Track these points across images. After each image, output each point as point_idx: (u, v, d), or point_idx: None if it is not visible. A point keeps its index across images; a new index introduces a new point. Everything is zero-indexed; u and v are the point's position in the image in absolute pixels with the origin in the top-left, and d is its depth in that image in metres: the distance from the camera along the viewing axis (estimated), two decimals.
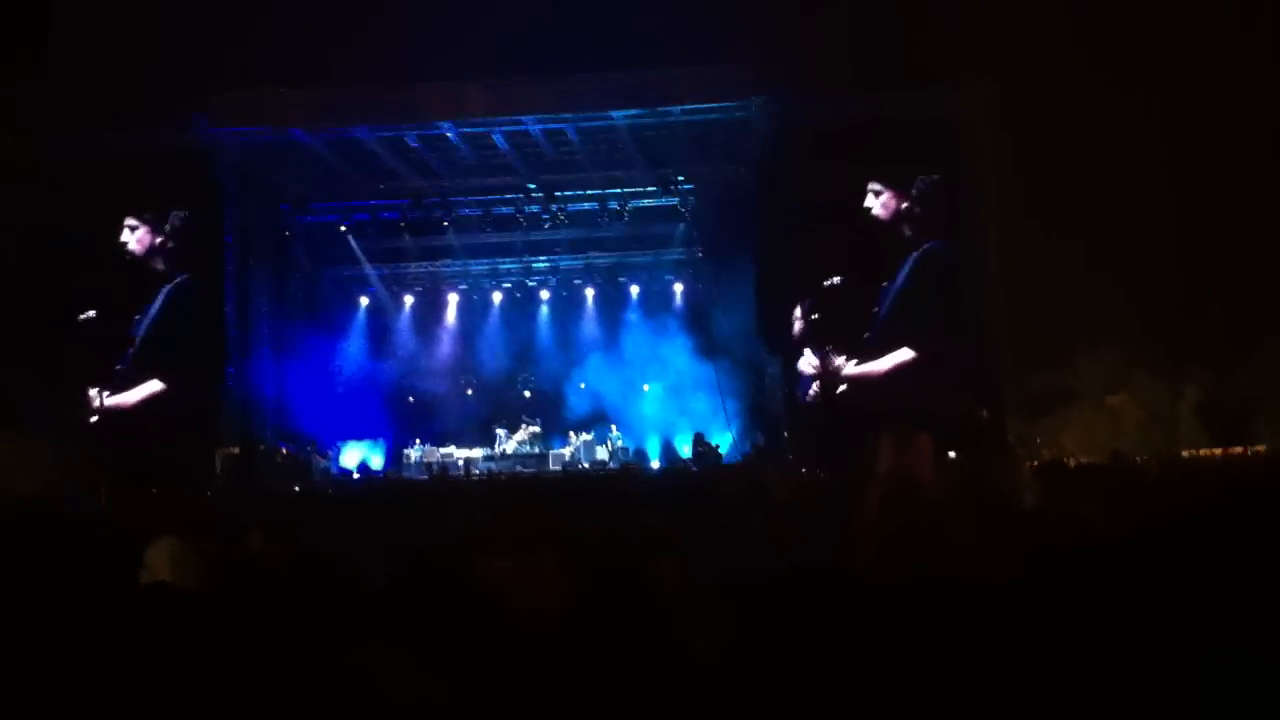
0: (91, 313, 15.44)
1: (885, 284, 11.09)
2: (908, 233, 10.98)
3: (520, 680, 3.27)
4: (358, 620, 3.60)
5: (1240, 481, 7.19)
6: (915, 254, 12.48)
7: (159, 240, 15.68)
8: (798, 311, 14.39)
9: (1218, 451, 11.00)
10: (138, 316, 15.60)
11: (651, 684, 3.31)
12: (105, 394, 15.32)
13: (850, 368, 12.99)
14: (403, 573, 4.25)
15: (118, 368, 15.38)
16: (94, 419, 15.32)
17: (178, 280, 15.80)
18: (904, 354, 10.62)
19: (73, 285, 15.42)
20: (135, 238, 15.62)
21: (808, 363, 12.36)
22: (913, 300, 12.71)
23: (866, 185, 12.68)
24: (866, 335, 12.07)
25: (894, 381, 12.76)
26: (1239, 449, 10.99)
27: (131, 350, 15.49)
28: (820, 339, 13.81)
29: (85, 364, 15.39)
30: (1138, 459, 9.24)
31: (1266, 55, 13.08)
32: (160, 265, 15.72)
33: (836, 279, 13.46)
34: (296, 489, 15.94)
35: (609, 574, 3.96)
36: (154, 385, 15.29)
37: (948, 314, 13.04)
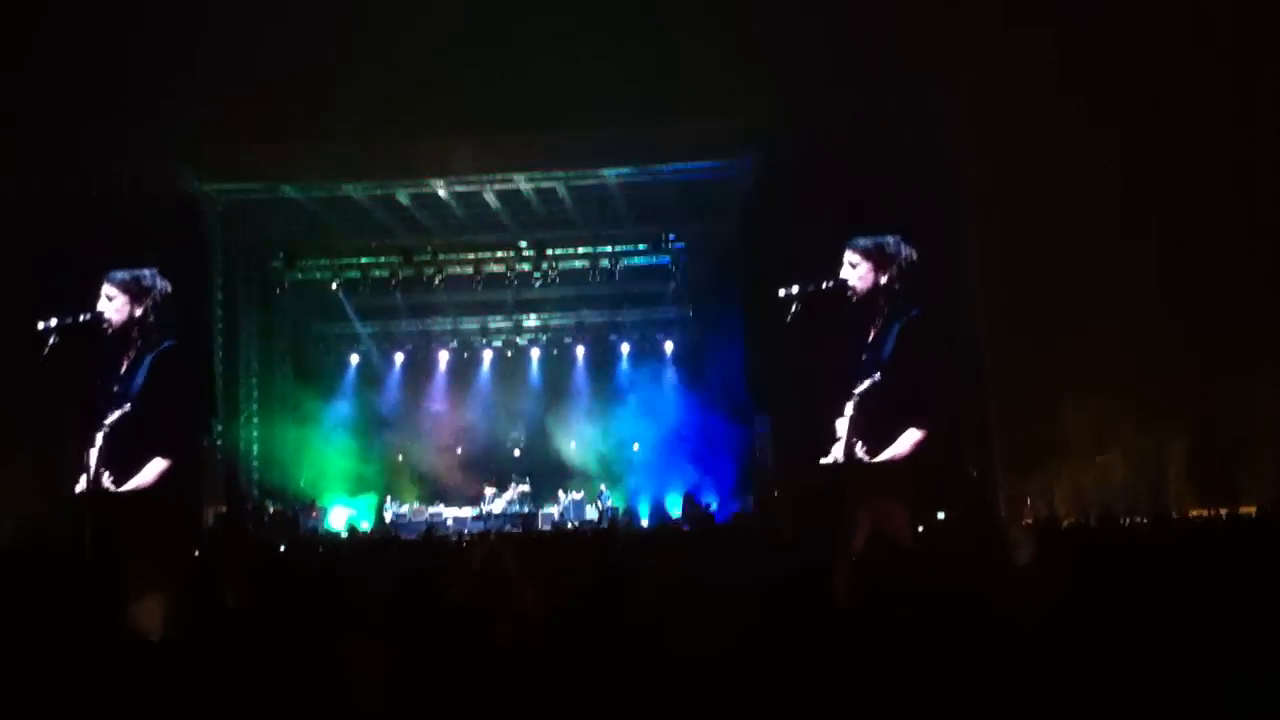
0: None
1: (864, 354, 10.96)
2: (884, 303, 10.90)
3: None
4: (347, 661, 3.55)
5: (1230, 545, 7.14)
6: (898, 324, 12.36)
7: (139, 312, 15.25)
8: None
9: (1206, 512, 10.93)
10: (116, 387, 15.18)
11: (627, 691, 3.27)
12: (104, 470, 14.88)
13: (862, 452, 12.80)
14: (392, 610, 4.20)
15: (105, 428, 14.96)
16: (86, 485, 14.91)
17: (163, 348, 15.29)
18: (915, 435, 10.50)
19: (59, 336, 14.88)
20: (114, 307, 15.09)
21: (837, 455, 12.15)
22: (907, 375, 12.64)
23: (844, 253, 12.58)
24: (850, 409, 11.88)
25: (912, 458, 12.61)
26: (1226, 510, 10.93)
27: (118, 416, 15.08)
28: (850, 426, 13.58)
29: (73, 419, 15.06)
30: (1125, 520, 9.17)
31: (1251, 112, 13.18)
32: (138, 334, 15.27)
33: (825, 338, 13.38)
34: (283, 547, 15.78)
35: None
36: (161, 464, 14.97)
37: (939, 380, 12.99)
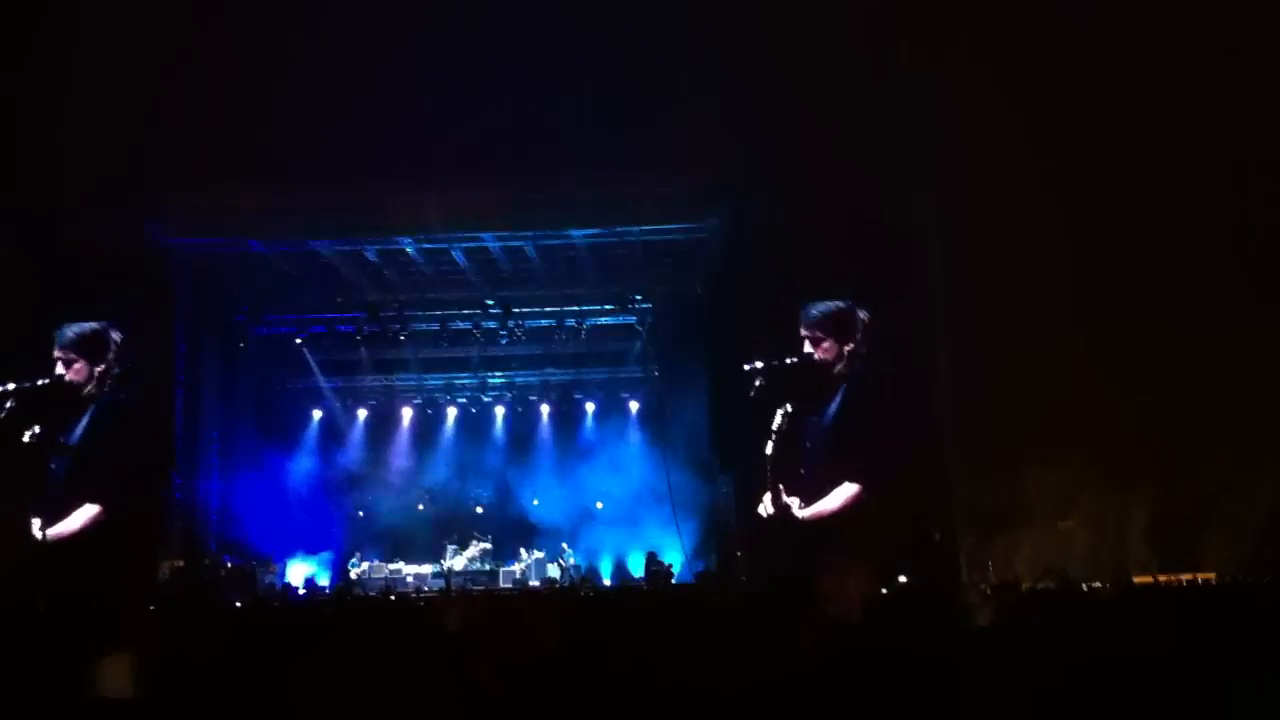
0: (35, 429, 14.55)
1: (813, 417, 10.93)
2: (843, 369, 10.86)
3: None
4: None
5: (1190, 611, 7.19)
6: (844, 385, 12.36)
7: (99, 369, 14.83)
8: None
9: (1165, 578, 10.99)
10: (61, 436, 14.62)
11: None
12: (38, 522, 14.32)
13: (800, 509, 12.80)
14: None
15: (46, 485, 14.47)
16: (31, 545, 14.43)
17: (111, 399, 14.44)
18: (849, 489, 10.47)
19: (14, 400, 14.37)
20: (73, 369, 14.26)
21: (764, 508, 12.16)
22: (847, 432, 12.64)
23: (802, 329, 12.52)
24: (801, 471, 11.80)
25: (844, 512, 12.57)
26: (1188, 576, 11.01)
27: (56, 468, 14.59)
28: (774, 474, 13.61)
29: (23, 481, 14.57)
30: (1085, 586, 9.22)
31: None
32: (94, 390, 14.83)
33: (786, 407, 13.32)
34: (238, 604, 15.60)
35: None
36: (90, 510, 14.50)
37: (887, 438, 12.99)
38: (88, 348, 14.43)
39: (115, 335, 14.57)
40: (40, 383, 14.16)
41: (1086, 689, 3.76)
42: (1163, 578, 10.82)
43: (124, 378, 14.86)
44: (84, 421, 14.70)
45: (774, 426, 12.26)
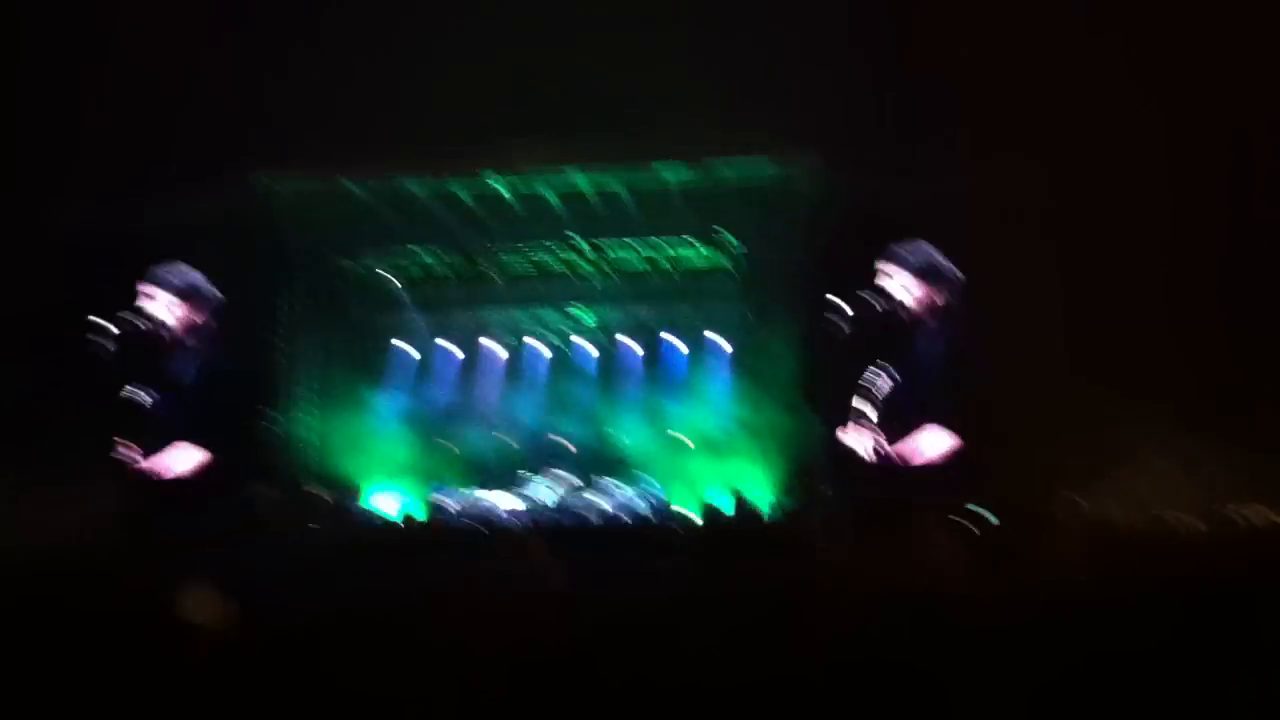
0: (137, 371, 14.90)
1: (905, 365, 10.81)
2: (933, 321, 10.75)
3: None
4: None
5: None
6: (940, 339, 12.28)
7: (197, 314, 15.06)
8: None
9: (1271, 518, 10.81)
10: (162, 379, 14.99)
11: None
12: (143, 465, 14.76)
13: (895, 455, 12.74)
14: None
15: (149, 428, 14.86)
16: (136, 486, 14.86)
17: (209, 342, 15.18)
18: (945, 440, 10.37)
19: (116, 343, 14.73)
20: (172, 313, 15.03)
21: (863, 449, 12.13)
22: (939, 383, 12.50)
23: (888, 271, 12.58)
24: (897, 417, 11.75)
25: (942, 462, 12.50)
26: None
27: (158, 411, 14.96)
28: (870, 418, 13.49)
29: (127, 425, 14.97)
30: (1183, 524, 9.10)
31: None
32: (193, 333, 15.14)
33: (879, 353, 13.22)
34: (338, 534, 16.00)
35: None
36: (193, 451, 14.85)
37: (973, 391, 12.83)
38: (187, 291, 14.70)
39: (210, 281, 14.82)
40: (142, 325, 14.50)
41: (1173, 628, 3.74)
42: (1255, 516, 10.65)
43: (221, 319, 15.12)
44: (184, 364, 15.03)
45: (869, 370, 12.22)
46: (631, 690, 3.61)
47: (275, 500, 16.82)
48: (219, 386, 15.41)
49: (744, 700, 3.46)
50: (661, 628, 4.15)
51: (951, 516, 6.95)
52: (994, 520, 11.50)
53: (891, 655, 3.75)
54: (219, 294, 13.30)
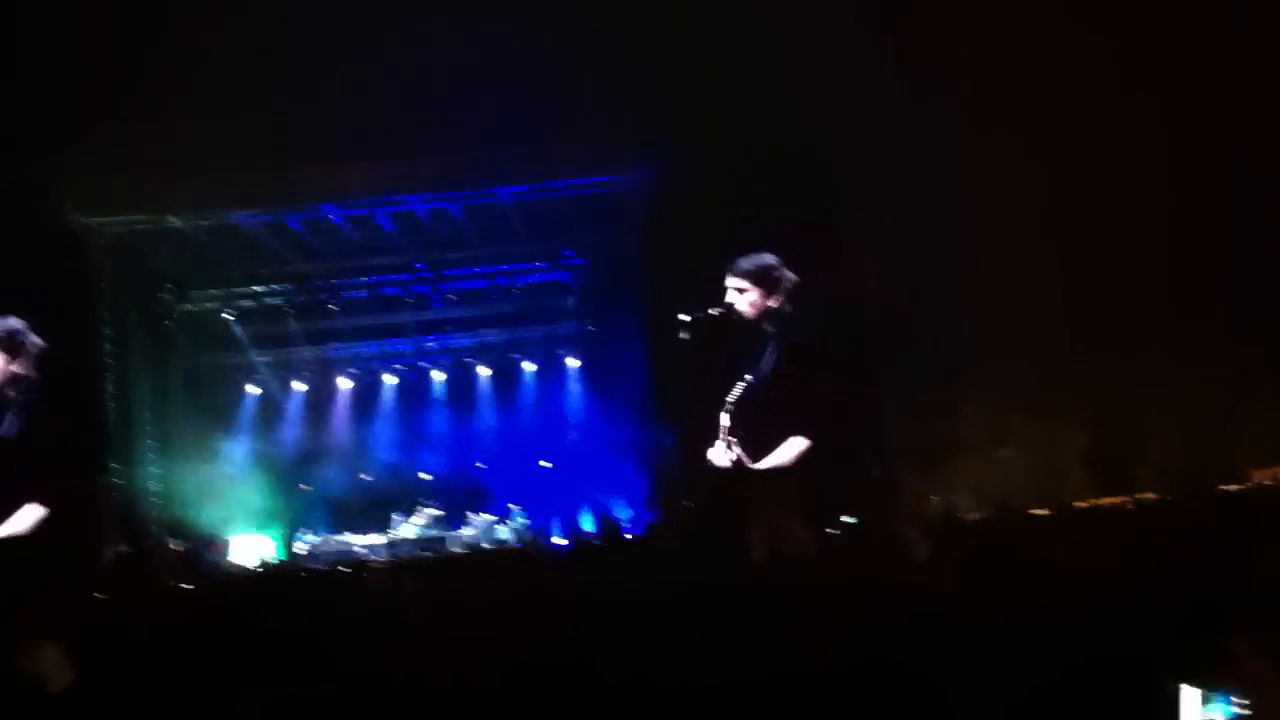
0: None
1: (749, 372, 10.90)
2: (771, 329, 10.93)
3: None
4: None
5: (1130, 529, 7.31)
6: (783, 343, 12.42)
7: (15, 369, 14.47)
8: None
9: (1108, 501, 11.14)
10: None
11: None
12: None
13: (750, 462, 12.82)
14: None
15: None
16: None
17: (35, 394, 14.56)
18: (798, 443, 10.52)
19: None
20: None
21: (719, 458, 12.24)
22: (782, 388, 12.61)
23: (728, 281, 12.69)
24: (746, 424, 11.87)
25: (796, 465, 12.64)
26: (1125, 497, 11.16)
27: None
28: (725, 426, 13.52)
29: None
30: (1026, 510, 9.33)
31: None
32: (17, 387, 14.53)
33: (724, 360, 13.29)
34: (190, 586, 15.46)
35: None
36: (32, 509, 14.29)
37: (824, 392, 13.01)
38: (6, 341, 14.10)
39: (30, 334, 14.22)
40: None
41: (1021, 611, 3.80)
42: (1103, 501, 10.97)
43: (42, 376, 14.49)
44: (11, 420, 14.36)
45: (716, 379, 12.28)
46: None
47: (121, 554, 16.22)
48: (53, 441, 14.85)
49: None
50: (523, 654, 4.08)
51: (812, 520, 7.00)
52: (854, 521, 11.71)
53: (760, 663, 3.74)
54: (41, 343, 12.70)
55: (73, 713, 3.64)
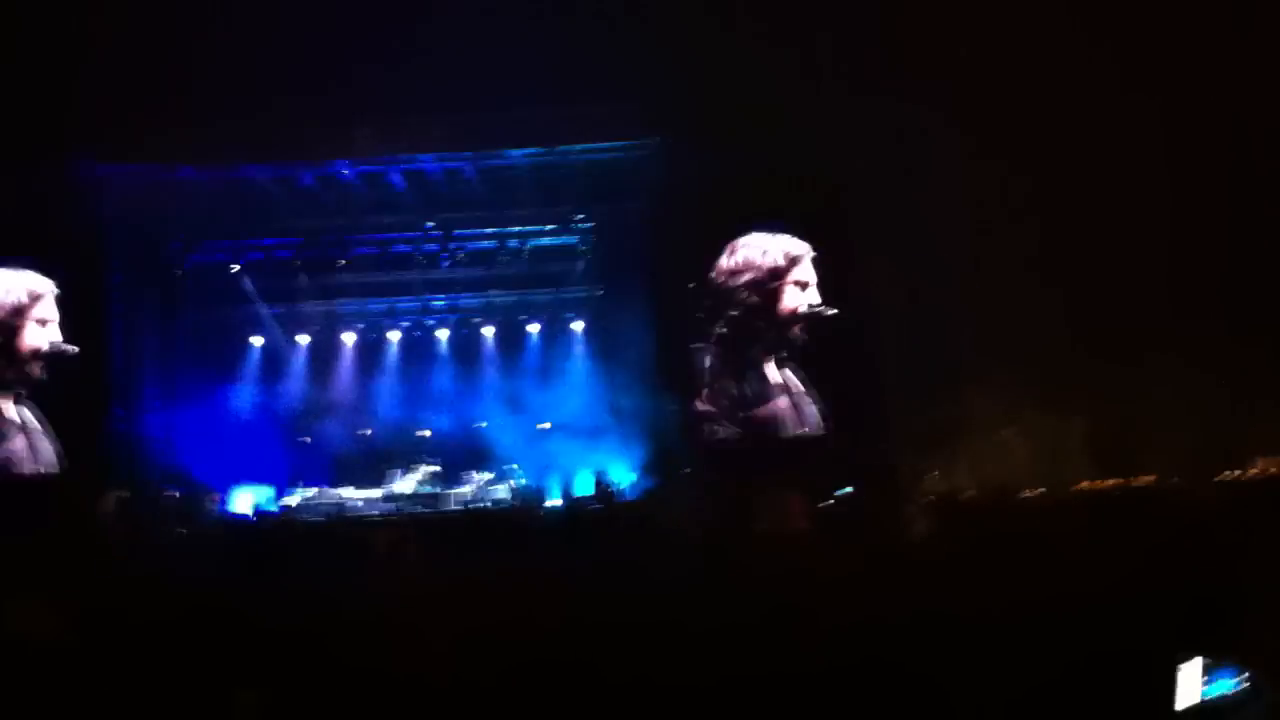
0: None
1: (758, 343, 11.01)
2: (782, 296, 11.05)
3: None
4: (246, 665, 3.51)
5: (1128, 511, 7.36)
6: (796, 322, 12.40)
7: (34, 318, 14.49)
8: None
9: (1108, 483, 11.21)
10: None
11: None
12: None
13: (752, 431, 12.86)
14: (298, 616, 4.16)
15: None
16: None
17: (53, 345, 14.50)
18: (795, 416, 10.63)
19: None
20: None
21: (721, 430, 12.30)
22: (789, 362, 12.66)
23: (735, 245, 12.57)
24: (749, 394, 11.91)
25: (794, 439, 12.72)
26: (1124, 480, 11.22)
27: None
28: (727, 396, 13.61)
29: None
30: (1026, 492, 9.39)
31: None
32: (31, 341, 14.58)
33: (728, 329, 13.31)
34: (186, 532, 15.57)
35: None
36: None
37: (829, 368, 13.08)
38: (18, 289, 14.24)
39: (48, 282, 14.30)
40: None
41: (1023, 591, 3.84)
42: (1101, 483, 11.02)
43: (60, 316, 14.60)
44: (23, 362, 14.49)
45: (722, 350, 12.30)
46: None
47: (121, 499, 16.32)
48: (61, 385, 15.00)
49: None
50: (527, 618, 4.13)
51: (809, 491, 7.04)
52: (849, 491, 11.78)
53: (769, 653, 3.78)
54: (56, 289, 12.84)
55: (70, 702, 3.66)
